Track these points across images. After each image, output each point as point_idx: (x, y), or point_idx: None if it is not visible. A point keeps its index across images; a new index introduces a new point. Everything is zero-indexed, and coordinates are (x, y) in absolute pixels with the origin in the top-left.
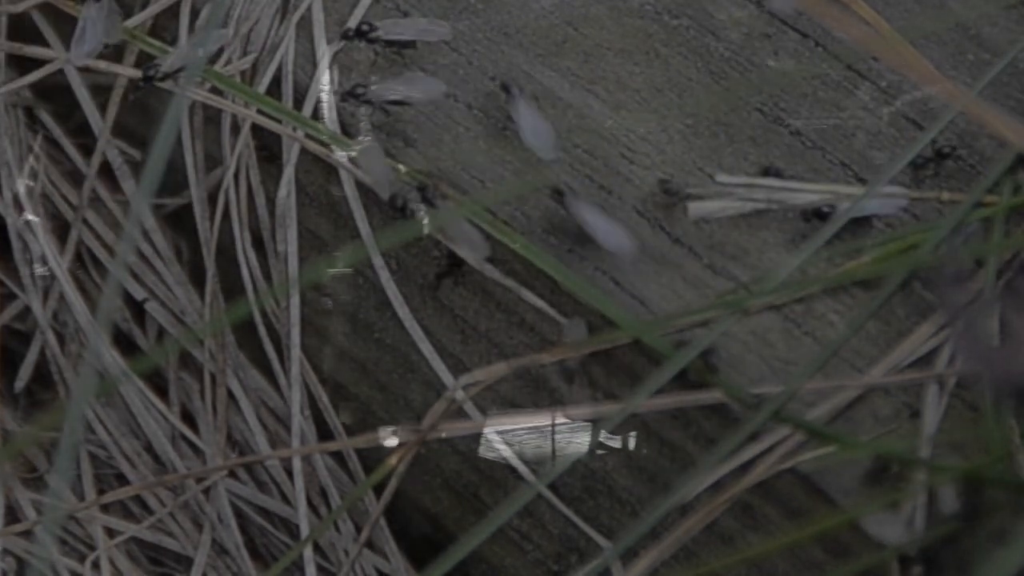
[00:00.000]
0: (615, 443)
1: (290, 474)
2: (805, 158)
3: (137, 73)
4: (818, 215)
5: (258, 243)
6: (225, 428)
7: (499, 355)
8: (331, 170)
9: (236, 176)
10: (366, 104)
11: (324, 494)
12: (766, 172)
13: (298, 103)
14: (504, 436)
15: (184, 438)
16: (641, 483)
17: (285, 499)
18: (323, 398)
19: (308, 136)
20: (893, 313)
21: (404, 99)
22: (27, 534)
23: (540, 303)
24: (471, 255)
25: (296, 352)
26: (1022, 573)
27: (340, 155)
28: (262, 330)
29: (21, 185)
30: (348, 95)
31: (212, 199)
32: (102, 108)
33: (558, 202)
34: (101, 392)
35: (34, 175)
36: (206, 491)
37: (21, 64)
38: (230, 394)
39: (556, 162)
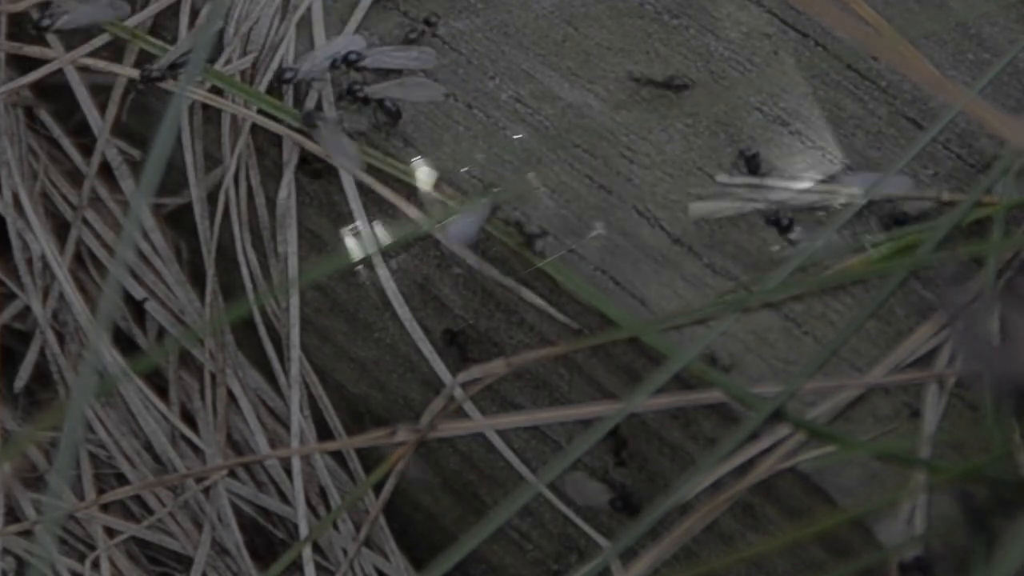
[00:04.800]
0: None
1: (289, 474)
2: (805, 158)
3: (137, 73)
4: (776, 225)
5: (258, 243)
6: (225, 428)
7: (499, 355)
8: (331, 170)
9: (236, 176)
10: (363, 103)
11: (323, 494)
12: (749, 160)
13: (298, 103)
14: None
15: (184, 438)
16: (641, 483)
17: (284, 499)
18: (323, 398)
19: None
20: (893, 313)
21: (403, 99)
22: (27, 534)
23: (540, 303)
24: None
25: (296, 352)
26: (1022, 573)
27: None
28: (262, 330)
29: (21, 185)
30: (346, 93)
31: (212, 199)
32: (102, 108)
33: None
34: (101, 392)
35: (34, 175)
36: (206, 491)
37: (21, 64)
38: (230, 394)
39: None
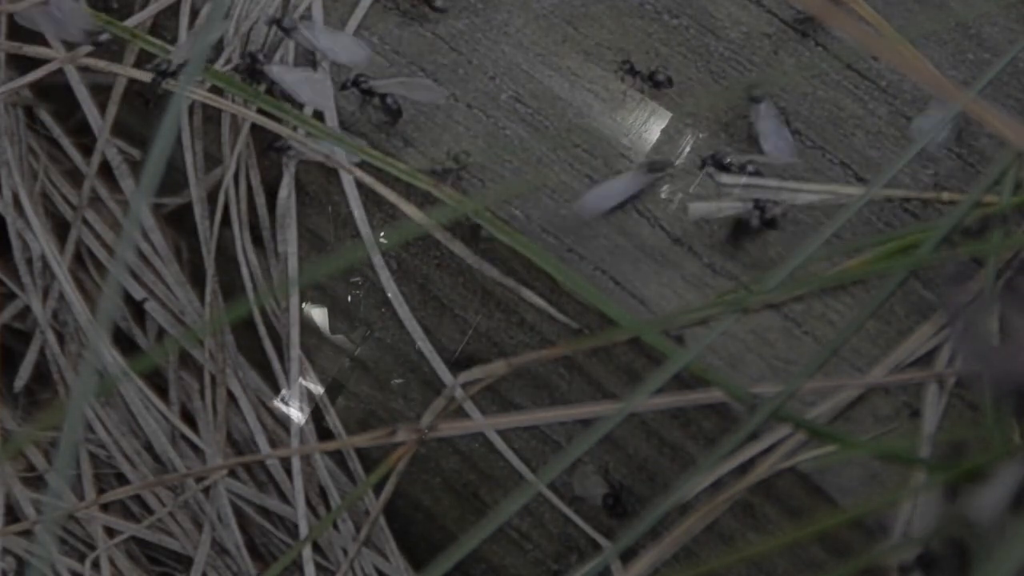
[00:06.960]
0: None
1: (290, 473)
2: (805, 158)
3: (137, 73)
4: (760, 211)
5: (258, 243)
6: (225, 428)
7: (499, 355)
8: (331, 170)
9: (236, 176)
10: (367, 95)
11: (323, 494)
12: (715, 159)
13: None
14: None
15: (184, 438)
16: (641, 483)
17: (285, 499)
18: (323, 398)
19: (308, 134)
20: (893, 313)
21: (404, 96)
22: (27, 534)
23: (540, 303)
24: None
25: (296, 352)
26: (1022, 573)
27: (340, 155)
28: (262, 330)
29: (21, 185)
30: (351, 84)
31: (212, 199)
32: (102, 108)
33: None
34: (101, 392)
35: (34, 175)
36: (206, 491)
37: (21, 64)
38: (230, 394)
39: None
